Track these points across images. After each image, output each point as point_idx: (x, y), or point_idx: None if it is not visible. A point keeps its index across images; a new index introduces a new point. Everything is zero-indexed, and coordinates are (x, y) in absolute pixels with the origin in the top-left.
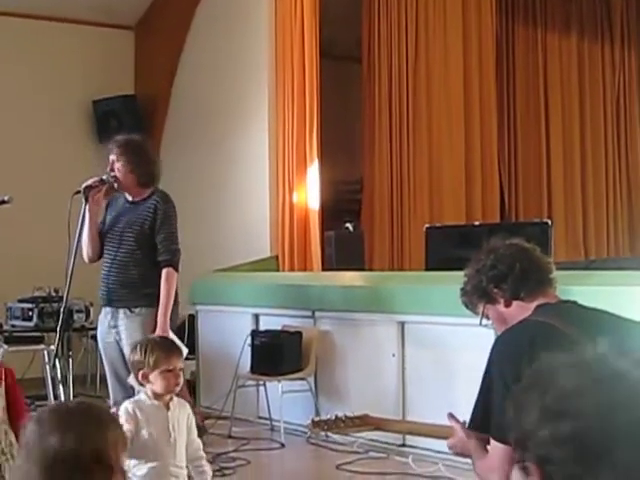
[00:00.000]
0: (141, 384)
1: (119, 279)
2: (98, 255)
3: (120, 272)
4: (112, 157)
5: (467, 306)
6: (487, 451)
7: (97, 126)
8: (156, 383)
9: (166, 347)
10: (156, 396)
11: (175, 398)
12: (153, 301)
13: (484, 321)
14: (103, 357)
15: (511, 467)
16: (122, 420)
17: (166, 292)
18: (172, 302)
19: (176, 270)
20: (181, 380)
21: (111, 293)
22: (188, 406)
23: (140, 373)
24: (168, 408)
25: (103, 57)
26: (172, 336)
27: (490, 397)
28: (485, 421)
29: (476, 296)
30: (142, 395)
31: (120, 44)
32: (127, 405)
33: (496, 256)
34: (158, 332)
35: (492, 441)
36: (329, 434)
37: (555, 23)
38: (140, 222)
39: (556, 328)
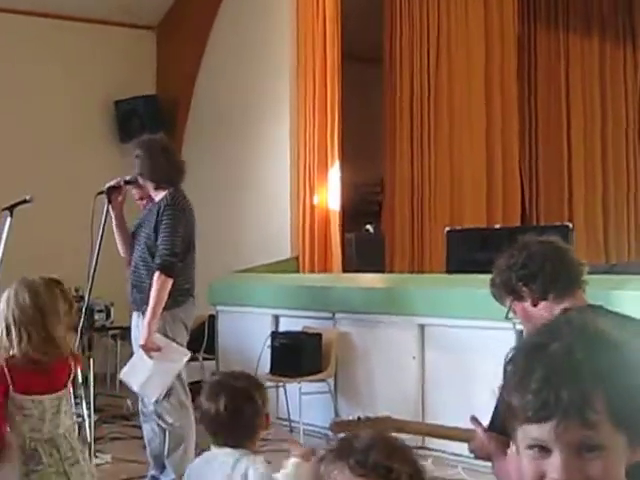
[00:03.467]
0: (240, 443)
1: (133, 282)
2: (131, 252)
3: (134, 275)
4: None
5: (495, 297)
6: (506, 454)
7: (119, 126)
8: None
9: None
10: None
11: None
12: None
13: (510, 315)
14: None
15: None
16: None
17: (153, 298)
18: (159, 308)
19: (167, 275)
20: None
21: (130, 295)
22: None
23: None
24: None
25: (125, 57)
26: (163, 340)
27: None
28: (503, 421)
29: (504, 291)
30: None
31: (142, 44)
32: None
33: (528, 254)
34: (140, 341)
35: (512, 443)
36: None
37: (577, 26)
38: (148, 223)
39: None
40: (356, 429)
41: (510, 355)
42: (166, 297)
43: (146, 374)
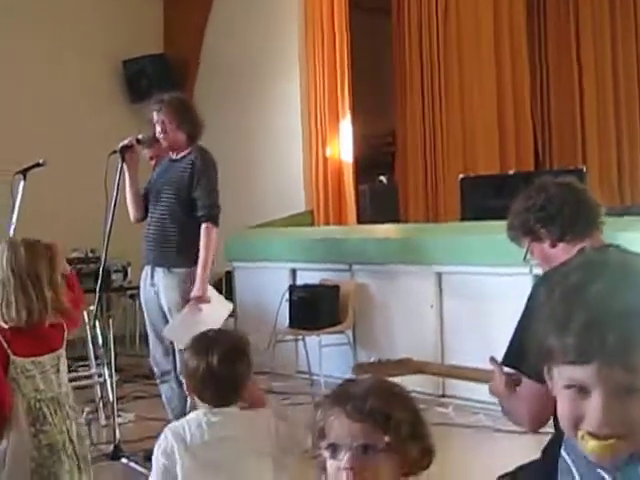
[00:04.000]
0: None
1: (158, 237)
2: (142, 215)
3: (159, 230)
4: (160, 115)
5: (512, 239)
6: (515, 391)
7: (128, 86)
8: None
9: None
10: None
11: None
12: (191, 260)
13: (528, 256)
14: (145, 314)
15: (539, 402)
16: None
17: (205, 247)
18: (211, 258)
19: (215, 225)
20: None
21: (150, 251)
22: None
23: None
24: None
25: (132, 16)
26: (213, 293)
27: (525, 333)
28: (518, 356)
29: (522, 232)
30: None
31: (149, 3)
32: None
33: (547, 196)
34: (196, 291)
35: (523, 379)
36: None
37: None
38: (178, 178)
39: None
40: (378, 371)
41: (544, 293)
42: (215, 247)
43: (194, 329)
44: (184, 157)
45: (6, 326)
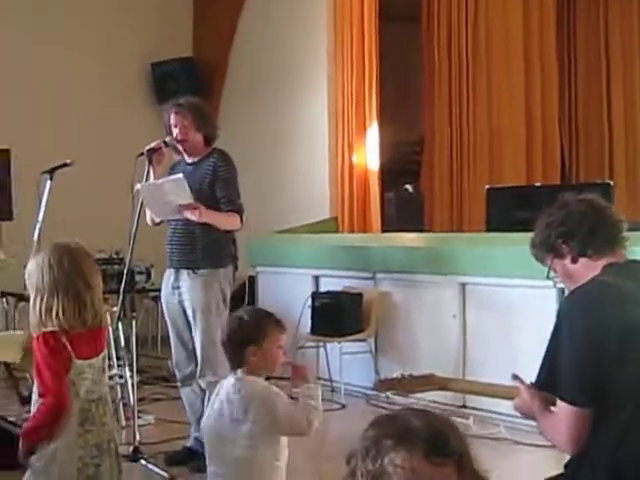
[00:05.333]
0: (239, 364)
1: (182, 240)
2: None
3: (183, 233)
4: (177, 118)
5: (536, 258)
6: (551, 411)
7: (155, 88)
8: (268, 360)
9: (277, 319)
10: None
11: None
12: (216, 261)
13: (551, 274)
14: (166, 318)
15: (578, 425)
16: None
17: (220, 216)
18: (214, 222)
19: (241, 219)
20: None
21: (175, 254)
22: None
23: (251, 349)
24: None
25: (162, 20)
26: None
27: (557, 355)
28: (551, 379)
29: (544, 250)
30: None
31: (179, 7)
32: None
33: (567, 212)
34: (189, 209)
35: (559, 402)
36: (390, 395)
37: None
38: (199, 181)
39: (625, 290)
40: (401, 387)
41: (582, 324)
42: (224, 226)
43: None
44: (203, 159)
45: (67, 330)
